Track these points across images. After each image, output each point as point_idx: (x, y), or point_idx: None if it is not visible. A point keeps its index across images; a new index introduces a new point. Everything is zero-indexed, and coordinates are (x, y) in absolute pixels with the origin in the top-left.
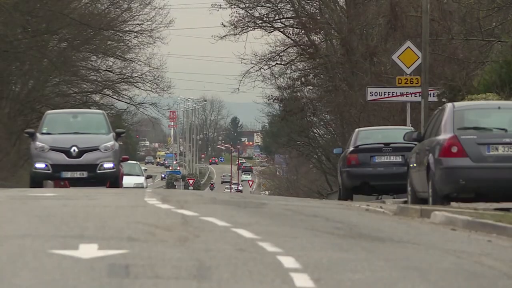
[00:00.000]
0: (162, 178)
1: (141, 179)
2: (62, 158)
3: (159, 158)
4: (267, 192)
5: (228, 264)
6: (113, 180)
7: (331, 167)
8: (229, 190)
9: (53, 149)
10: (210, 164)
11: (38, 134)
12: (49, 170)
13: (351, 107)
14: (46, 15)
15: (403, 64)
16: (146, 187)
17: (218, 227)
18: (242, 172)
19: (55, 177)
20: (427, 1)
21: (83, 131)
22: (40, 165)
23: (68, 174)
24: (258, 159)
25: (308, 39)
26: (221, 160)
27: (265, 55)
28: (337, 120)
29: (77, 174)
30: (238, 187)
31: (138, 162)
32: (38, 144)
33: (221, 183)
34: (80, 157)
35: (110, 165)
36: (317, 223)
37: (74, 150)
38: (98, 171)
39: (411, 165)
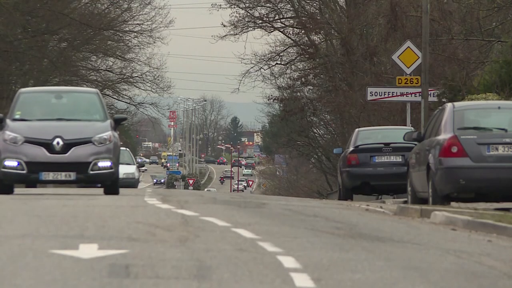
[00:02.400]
0: (155, 183)
1: (132, 169)
2: (41, 154)
3: (164, 158)
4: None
5: (228, 264)
6: (109, 184)
7: (331, 167)
8: (234, 189)
9: (29, 141)
10: (219, 164)
11: (8, 121)
12: (23, 169)
13: (351, 107)
14: (46, 15)
15: (403, 64)
16: (138, 177)
17: (218, 227)
18: (243, 167)
19: (32, 179)
20: (427, 1)
21: (70, 117)
22: (10, 163)
23: (50, 176)
24: (257, 159)
25: (308, 39)
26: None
27: (265, 55)
28: (337, 120)
29: (62, 176)
30: (238, 186)
31: (127, 149)
32: (9, 134)
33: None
34: (66, 153)
35: (107, 163)
36: (317, 223)
37: (57, 143)
38: (91, 172)
39: (411, 165)
